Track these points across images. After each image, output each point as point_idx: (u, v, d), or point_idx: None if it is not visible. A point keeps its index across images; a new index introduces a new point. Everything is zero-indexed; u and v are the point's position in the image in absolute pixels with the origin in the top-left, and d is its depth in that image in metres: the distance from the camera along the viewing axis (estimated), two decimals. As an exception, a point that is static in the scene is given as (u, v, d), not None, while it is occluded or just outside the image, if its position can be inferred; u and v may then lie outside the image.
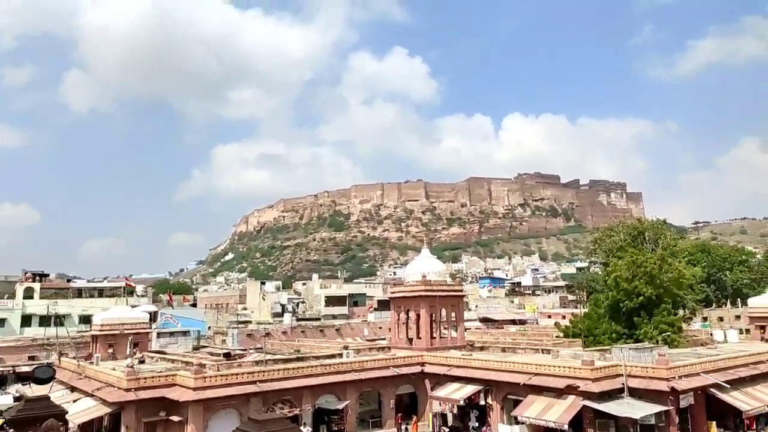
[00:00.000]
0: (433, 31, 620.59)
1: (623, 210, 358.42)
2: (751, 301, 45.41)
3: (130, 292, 65.19)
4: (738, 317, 60.67)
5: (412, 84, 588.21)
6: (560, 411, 25.88)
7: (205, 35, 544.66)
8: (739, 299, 66.31)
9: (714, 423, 27.32)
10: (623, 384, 26.43)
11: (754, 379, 29.35)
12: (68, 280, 75.45)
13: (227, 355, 37.63)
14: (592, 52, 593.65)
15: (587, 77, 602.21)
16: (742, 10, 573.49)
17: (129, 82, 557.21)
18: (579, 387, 26.11)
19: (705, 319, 62.04)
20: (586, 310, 63.24)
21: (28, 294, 61.26)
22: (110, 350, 40.05)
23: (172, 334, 55.47)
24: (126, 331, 39.97)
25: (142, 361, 36.75)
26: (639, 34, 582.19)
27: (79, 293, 66.54)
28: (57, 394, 33.63)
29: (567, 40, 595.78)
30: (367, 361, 34.02)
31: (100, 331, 40.24)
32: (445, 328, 39.22)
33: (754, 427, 28.10)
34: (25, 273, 67.05)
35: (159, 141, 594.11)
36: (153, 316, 60.41)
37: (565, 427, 25.58)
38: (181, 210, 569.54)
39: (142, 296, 70.69)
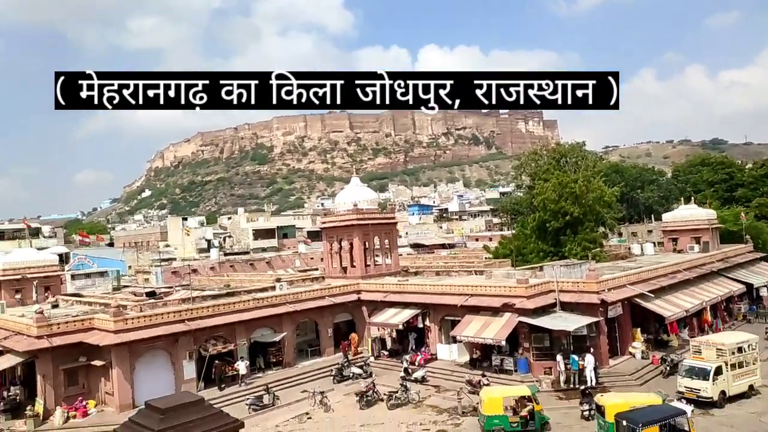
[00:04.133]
0: None
1: (540, 137, 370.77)
2: (664, 216, 48.14)
3: (35, 233, 59.94)
4: (650, 232, 64.78)
5: (328, 15, 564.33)
6: (497, 328, 26.31)
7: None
8: (652, 215, 70.63)
9: (638, 330, 28.90)
10: (556, 299, 27.12)
11: (672, 288, 31.19)
12: (-39, 224, 68.39)
13: (151, 294, 35.47)
14: None
15: (496, 11, 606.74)
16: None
17: (9, 10, 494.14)
18: (515, 305, 26.53)
19: (620, 234, 65.81)
20: (512, 231, 65.44)
21: None
22: (17, 296, 36.76)
23: (88, 275, 51.91)
24: (33, 275, 36.59)
25: (55, 306, 33.87)
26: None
27: (-24, 237, 60.53)
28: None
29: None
30: (302, 292, 33.09)
31: (3, 276, 36.67)
32: (377, 256, 38.80)
33: (677, 330, 30.12)
34: None
35: (50, 74, 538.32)
36: (65, 258, 56.20)
37: (503, 342, 26.14)
38: (86, 146, 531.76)
39: (50, 237, 65.43)
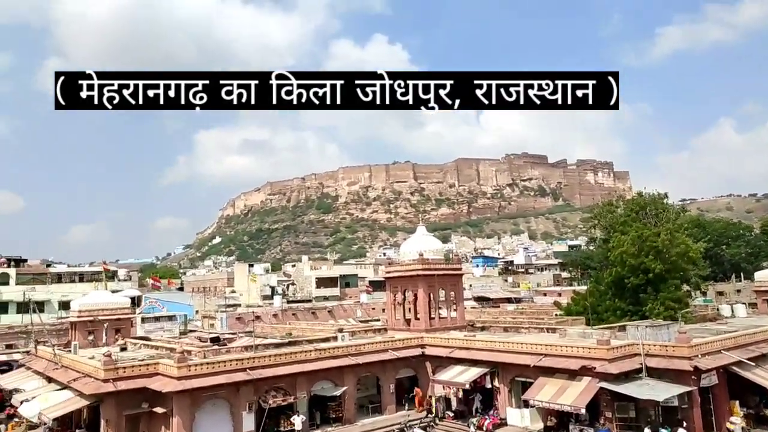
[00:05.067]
0: (411, 20, 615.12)
1: (610, 189, 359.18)
2: (758, 274, 44.10)
3: (111, 276, 62.55)
4: (739, 291, 59.60)
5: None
6: (575, 394, 24.10)
7: (184, 22, 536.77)
8: (741, 274, 65.25)
9: (737, 402, 25.73)
10: (641, 364, 24.69)
11: (775, 356, 27.77)
12: (48, 266, 72.46)
13: (215, 340, 35.51)
14: (565, 41, 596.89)
15: (562, 64, 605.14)
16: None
17: (107, 69, 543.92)
18: (595, 368, 24.32)
19: (705, 294, 60.81)
20: (582, 287, 61.98)
21: (4, 280, 58.38)
22: (90, 337, 37.76)
23: (157, 319, 53.10)
24: (105, 317, 37.60)
25: (123, 349, 34.47)
26: (609, 24, 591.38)
27: (59, 278, 63.76)
28: (31, 385, 31.44)
29: (539, 28, 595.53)
30: (364, 344, 32.05)
31: (79, 317, 37.88)
32: (440, 308, 37.37)
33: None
34: (0, 258, 63.96)
35: (141, 127, 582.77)
36: (137, 301, 57.99)
37: (582, 410, 23.85)
38: (167, 195, 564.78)
39: (125, 280, 68.02)
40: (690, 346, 24.10)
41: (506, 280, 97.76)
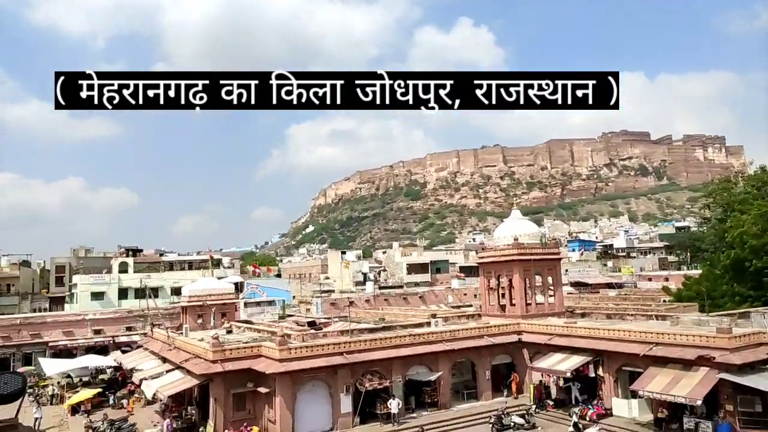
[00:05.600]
0: (496, 1, 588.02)
1: (722, 165, 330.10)
2: None
3: (216, 264, 66.46)
4: None
5: (479, 54, 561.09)
6: (691, 385, 22.22)
7: (273, 22, 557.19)
8: None
9: None
10: (769, 354, 22.33)
11: None
12: (161, 255, 78.36)
13: (312, 324, 36.64)
14: (665, 10, 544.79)
15: (662, 35, 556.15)
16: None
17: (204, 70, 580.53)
18: (714, 358, 22.28)
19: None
20: (693, 271, 57.37)
21: (123, 268, 63.83)
22: (199, 320, 40.31)
23: (258, 303, 56.07)
24: (212, 302, 39.93)
25: (229, 331, 36.48)
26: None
27: (171, 267, 68.77)
28: (149, 365, 34.04)
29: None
30: (458, 330, 31.64)
31: (189, 302, 40.58)
32: (536, 293, 36.00)
33: None
34: (120, 249, 69.96)
35: (238, 124, 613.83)
36: (239, 287, 61.23)
37: (698, 402, 21.98)
38: (263, 187, 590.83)
39: (229, 268, 72.03)
40: (829, 336, 21.43)
41: (605, 265, 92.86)
